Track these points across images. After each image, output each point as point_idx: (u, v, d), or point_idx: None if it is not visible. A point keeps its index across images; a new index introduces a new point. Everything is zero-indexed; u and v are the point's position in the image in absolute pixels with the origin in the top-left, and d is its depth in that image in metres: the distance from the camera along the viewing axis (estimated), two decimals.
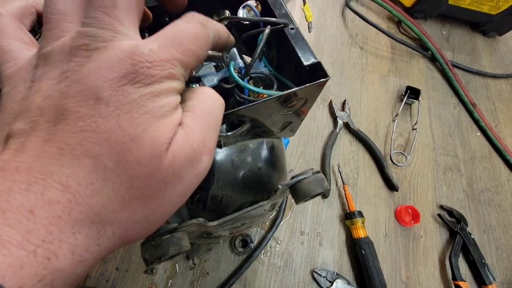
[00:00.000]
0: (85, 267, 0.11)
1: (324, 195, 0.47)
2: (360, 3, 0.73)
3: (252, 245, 0.42)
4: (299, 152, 0.51)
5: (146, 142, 0.11)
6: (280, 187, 0.22)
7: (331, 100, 0.56)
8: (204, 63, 0.23)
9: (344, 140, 0.54)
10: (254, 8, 0.24)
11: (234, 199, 0.24)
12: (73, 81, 0.11)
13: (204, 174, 0.14)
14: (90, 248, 0.11)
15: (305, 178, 0.22)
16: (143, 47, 0.11)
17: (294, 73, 0.22)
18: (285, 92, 0.18)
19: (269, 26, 0.19)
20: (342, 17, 0.70)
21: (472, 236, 0.46)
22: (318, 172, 0.23)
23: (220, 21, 0.21)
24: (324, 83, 0.19)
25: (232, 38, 0.16)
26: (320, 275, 0.41)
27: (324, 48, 0.64)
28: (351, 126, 0.54)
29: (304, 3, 0.34)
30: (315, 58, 0.19)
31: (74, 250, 0.10)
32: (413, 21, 0.67)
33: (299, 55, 0.19)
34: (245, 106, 0.17)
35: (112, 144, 0.11)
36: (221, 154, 0.23)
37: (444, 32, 0.73)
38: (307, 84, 0.18)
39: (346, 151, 0.53)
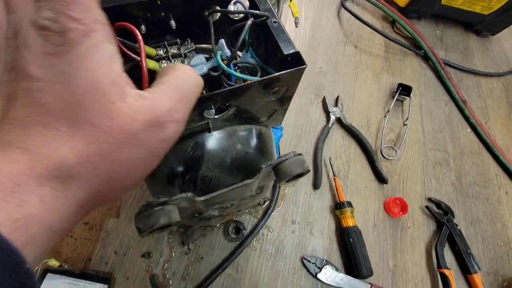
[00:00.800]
0: (58, 217, 0.12)
1: (315, 186, 0.49)
2: (356, 3, 0.75)
3: (245, 232, 0.44)
4: (293, 145, 0.53)
5: (90, 106, 0.13)
6: (263, 166, 0.23)
7: (324, 96, 0.58)
8: (196, 54, 0.25)
9: (337, 135, 0.55)
10: (243, 3, 0.26)
11: (222, 180, 0.26)
12: (7, 69, 0.12)
13: (171, 141, 0.15)
14: (58, 199, 0.12)
15: (286, 159, 0.24)
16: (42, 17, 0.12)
17: (279, 64, 0.24)
18: (265, 77, 0.20)
19: (252, 18, 0.21)
20: (337, 17, 0.72)
21: (458, 227, 0.48)
22: (299, 154, 0.25)
23: (210, 13, 0.23)
24: (301, 70, 0.21)
25: None
26: (310, 262, 0.43)
27: (319, 46, 0.66)
28: (343, 121, 0.55)
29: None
30: (294, 48, 0.21)
31: (43, 200, 0.12)
32: (407, 20, 0.69)
33: (280, 45, 0.21)
34: (228, 88, 0.19)
35: (58, 112, 0.12)
36: (211, 137, 0.25)
37: (438, 31, 0.75)
38: (285, 71, 0.20)
39: (338, 145, 0.54)
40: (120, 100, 0.13)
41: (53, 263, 0.38)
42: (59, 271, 0.39)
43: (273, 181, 0.46)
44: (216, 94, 0.19)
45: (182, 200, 0.22)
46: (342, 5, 0.71)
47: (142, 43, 0.18)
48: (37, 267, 0.37)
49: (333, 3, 0.74)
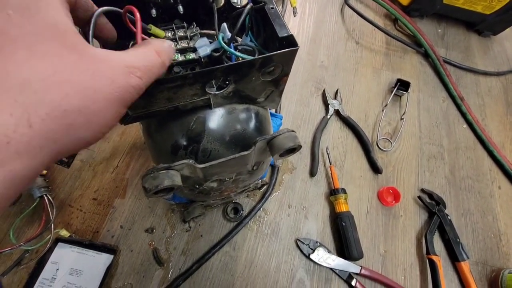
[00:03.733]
0: (14, 151, 0.11)
1: (312, 173, 0.51)
2: (359, 0, 0.77)
3: (243, 213, 0.46)
4: None
5: (60, 38, 0.13)
6: (258, 139, 0.26)
7: (324, 89, 0.60)
8: (200, 37, 0.27)
9: (335, 126, 0.57)
10: None
11: (221, 153, 0.28)
12: None
13: (135, 93, 0.16)
14: (18, 128, 0.11)
15: (280, 134, 0.26)
16: None
17: (276, 49, 0.26)
18: (260, 56, 0.22)
19: (251, 3, 0.23)
20: (340, 14, 0.74)
21: (449, 217, 0.50)
22: (292, 131, 0.27)
23: (213, 1, 0.26)
24: (294, 51, 0.23)
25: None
26: (303, 243, 0.45)
27: (321, 41, 0.68)
28: (342, 113, 0.57)
29: None
30: (289, 31, 0.23)
31: None
32: (408, 19, 0.70)
33: (276, 29, 0.24)
34: (227, 64, 0.21)
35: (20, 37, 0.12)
36: (212, 113, 0.27)
37: (440, 30, 0.76)
38: (278, 51, 0.22)
39: (336, 136, 0.56)
40: (87, 45, 0.14)
41: (64, 233, 0.41)
42: (69, 241, 0.42)
43: (270, 164, 0.49)
44: (216, 69, 0.21)
45: (184, 166, 0.24)
46: (346, 2, 0.73)
47: (139, 21, 0.19)
48: (49, 236, 0.40)
49: (336, 0, 0.76)
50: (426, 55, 0.69)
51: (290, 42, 0.23)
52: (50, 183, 0.44)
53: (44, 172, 0.44)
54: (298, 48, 0.23)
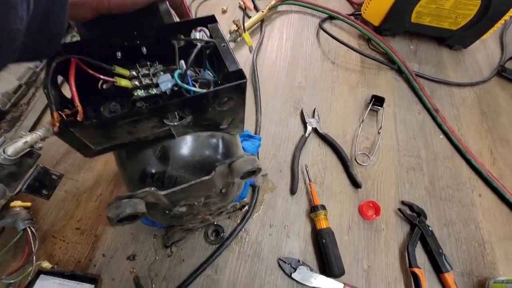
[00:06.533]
0: None
1: (292, 191, 0.53)
2: (333, 24, 0.82)
3: (224, 235, 0.47)
4: (271, 154, 0.57)
5: None
6: (217, 164, 0.27)
7: (302, 109, 0.63)
8: (164, 73, 0.30)
9: (313, 144, 0.59)
10: (206, 31, 0.31)
11: (187, 179, 0.30)
12: None
13: None
14: None
15: (238, 158, 0.28)
16: None
17: (234, 81, 0.29)
18: (209, 90, 0.24)
19: (199, 44, 0.26)
20: (316, 37, 0.78)
21: (430, 228, 0.50)
22: (252, 155, 0.29)
23: (172, 40, 0.28)
24: (243, 84, 0.25)
25: None
26: (285, 262, 0.46)
27: (299, 64, 0.72)
28: (320, 131, 0.59)
29: (244, 31, 0.41)
30: (238, 66, 0.26)
31: None
32: (381, 38, 0.74)
33: (226, 64, 0.26)
34: (176, 100, 0.23)
35: None
36: (176, 142, 0.29)
37: (412, 47, 0.80)
38: (227, 85, 0.24)
39: (315, 153, 0.58)
40: None
41: (46, 265, 0.42)
42: (51, 273, 0.42)
43: (251, 184, 0.50)
44: (169, 103, 0.23)
45: (147, 194, 0.26)
46: (320, 26, 0.78)
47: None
48: (31, 268, 0.41)
49: (312, 25, 0.80)
50: (399, 71, 0.73)
51: (240, 75, 0.26)
52: (34, 215, 0.45)
53: (29, 204, 0.46)
54: (246, 81, 0.25)
